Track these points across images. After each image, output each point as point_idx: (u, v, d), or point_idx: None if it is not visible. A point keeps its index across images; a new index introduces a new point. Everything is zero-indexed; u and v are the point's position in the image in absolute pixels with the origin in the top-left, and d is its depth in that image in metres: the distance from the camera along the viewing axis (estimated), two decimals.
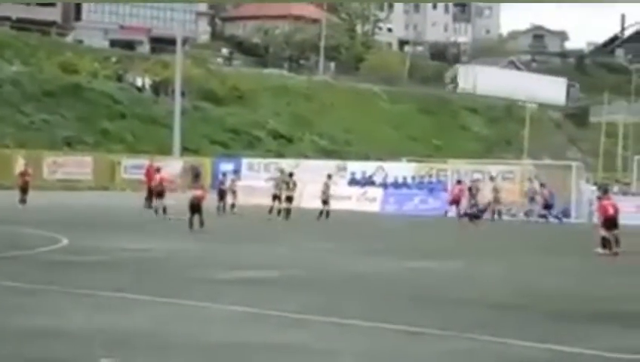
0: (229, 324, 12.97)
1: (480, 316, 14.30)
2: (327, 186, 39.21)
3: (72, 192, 51.40)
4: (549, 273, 21.11)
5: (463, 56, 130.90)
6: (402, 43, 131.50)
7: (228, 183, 40.44)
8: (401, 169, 50.34)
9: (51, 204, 40.74)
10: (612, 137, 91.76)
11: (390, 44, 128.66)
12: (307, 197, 41.94)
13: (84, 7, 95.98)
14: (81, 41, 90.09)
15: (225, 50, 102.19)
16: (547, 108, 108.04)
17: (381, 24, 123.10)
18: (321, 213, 37.95)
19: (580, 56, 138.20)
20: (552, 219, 40.59)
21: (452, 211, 39.68)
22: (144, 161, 48.78)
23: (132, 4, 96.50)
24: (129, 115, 72.68)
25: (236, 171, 47.29)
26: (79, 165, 58.49)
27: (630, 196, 44.31)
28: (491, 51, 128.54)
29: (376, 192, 47.08)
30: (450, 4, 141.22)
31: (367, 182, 48.67)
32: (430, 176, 48.12)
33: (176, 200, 34.24)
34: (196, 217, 29.15)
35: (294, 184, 38.77)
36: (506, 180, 44.25)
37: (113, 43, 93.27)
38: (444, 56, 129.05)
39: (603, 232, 25.62)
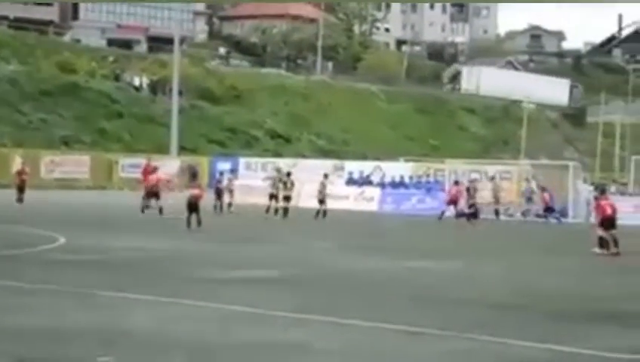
0: (227, 324, 12.95)
1: (479, 316, 14.29)
2: (323, 186, 39.21)
3: (70, 191, 51.36)
4: (548, 273, 21.11)
5: (460, 56, 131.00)
6: (400, 43, 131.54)
7: (225, 182, 40.43)
8: (398, 169, 50.35)
9: (49, 203, 40.71)
10: (609, 137, 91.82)
11: (388, 43, 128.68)
12: (305, 197, 41.92)
13: (82, 6, 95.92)
14: (78, 41, 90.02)
15: (222, 50, 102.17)
16: (545, 109, 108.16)
17: (379, 24, 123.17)
18: (318, 212, 37.95)
19: (577, 56, 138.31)
20: (551, 220, 40.58)
21: (449, 211, 39.61)
22: (141, 160, 48.70)
23: (129, 3, 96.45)
24: (126, 114, 72.65)
25: (233, 170, 47.23)
26: (77, 164, 58.45)
27: (627, 196, 44.31)
28: (489, 51, 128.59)
29: (374, 192, 47.06)
30: (448, 4, 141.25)
31: (365, 181, 48.66)
32: (428, 175, 48.15)
33: (174, 200, 34.20)
34: (194, 216, 29.14)
35: (292, 183, 38.79)
36: (503, 180, 44.26)
37: (110, 42, 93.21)
38: (442, 56, 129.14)
39: (600, 232, 25.61)
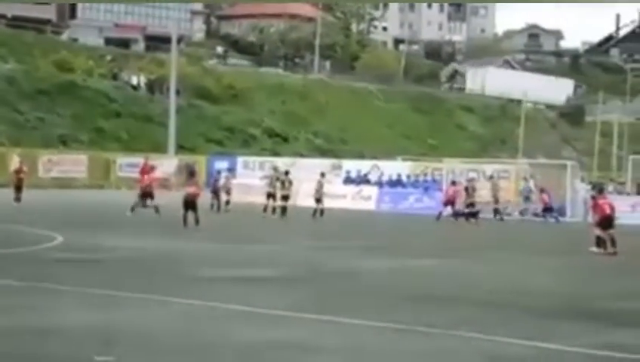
0: (225, 322, 12.99)
1: (467, 313, 14.34)
2: (320, 185, 39.20)
3: (67, 190, 51.37)
4: (542, 272, 21.13)
5: (457, 55, 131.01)
6: (397, 42, 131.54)
7: (222, 181, 40.43)
8: (396, 168, 50.38)
9: (46, 202, 40.72)
10: (607, 136, 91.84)
11: (385, 42, 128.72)
12: (302, 196, 41.96)
13: (79, 5, 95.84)
14: (76, 39, 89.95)
15: (220, 49, 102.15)
16: (545, 108, 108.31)
17: (376, 23, 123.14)
18: (315, 211, 37.97)
19: (574, 55, 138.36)
20: (549, 219, 40.60)
21: (446, 211, 39.58)
22: (139, 160, 48.71)
23: (127, 2, 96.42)
24: (124, 113, 72.62)
25: (231, 169, 47.26)
26: (74, 163, 58.43)
27: (625, 195, 44.34)
28: (486, 50, 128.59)
29: (372, 191, 47.09)
30: (446, 3, 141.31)
31: (363, 180, 48.69)
32: (425, 174, 48.16)
33: (168, 199, 34.22)
34: (191, 214, 29.16)
35: (290, 183, 38.77)
36: (501, 179, 44.25)
37: (108, 41, 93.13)
38: (439, 55, 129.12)
39: (598, 231, 25.63)
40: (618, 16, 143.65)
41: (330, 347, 11.44)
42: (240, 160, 55.23)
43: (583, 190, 42.43)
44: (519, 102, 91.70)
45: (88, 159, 58.95)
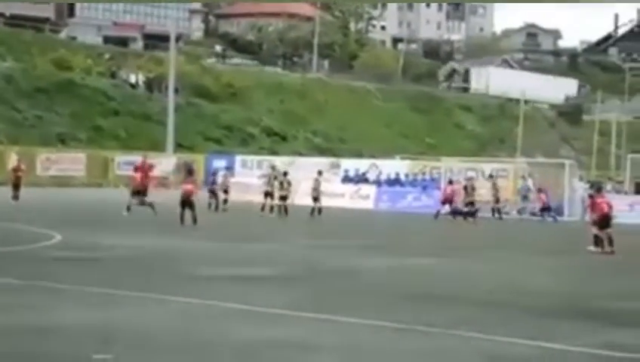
0: (223, 321, 12.99)
1: (466, 313, 14.33)
2: (317, 183, 39.19)
3: (66, 189, 51.37)
4: (540, 271, 21.13)
5: (456, 54, 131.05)
6: (396, 41, 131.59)
7: (220, 180, 40.39)
8: (394, 166, 50.39)
9: (44, 201, 40.72)
10: (605, 135, 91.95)
11: (384, 41, 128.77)
12: (301, 195, 41.95)
13: (78, 3, 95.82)
14: (74, 38, 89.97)
15: (218, 47, 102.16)
16: (544, 108, 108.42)
17: (375, 22, 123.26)
18: (313, 210, 37.96)
19: (573, 54, 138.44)
20: (547, 218, 40.62)
21: (444, 210, 39.57)
22: (138, 158, 48.67)
23: (125, 1, 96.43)
24: (122, 111, 72.65)
25: (229, 168, 47.24)
26: (72, 162, 58.45)
27: (623, 194, 44.37)
28: (485, 49, 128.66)
29: (370, 190, 47.10)
30: (444, 3, 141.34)
31: (361, 179, 48.70)
32: (424, 173, 48.16)
33: (168, 197, 34.20)
34: (187, 212, 29.16)
35: (289, 183, 38.71)
36: (499, 178, 44.25)
37: (106, 39, 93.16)
38: (438, 54, 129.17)
39: (595, 230, 25.63)
40: (616, 16, 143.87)
41: (329, 346, 11.44)
42: (238, 158, 55.22)
43: (582, 189, 42.46)
44: (520, 101, 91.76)
45: (87, 157, 58.98)
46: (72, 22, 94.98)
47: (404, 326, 12.68)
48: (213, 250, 23.11)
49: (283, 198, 37.98)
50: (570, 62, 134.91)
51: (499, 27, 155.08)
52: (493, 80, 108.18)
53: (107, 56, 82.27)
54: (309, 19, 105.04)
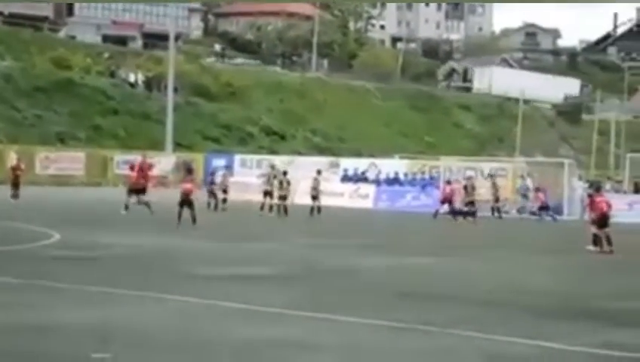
0: (221, 320, 12.98)
1: (465, 312, 14.32)
2: (316, 182, 39.17)
3: (65, 188, 51.36)
4: (539, 270, 21.12)
5: (455, 54, 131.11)
6: (395, 40, 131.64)
7: (219, 179, 40.36)
8: (393, 166, 50.35)
9: (43, 200, 40.70)
10: (604, 135, 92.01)
11: (383, 41, 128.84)
12: (300, 194, 41.95)
13: (77, 2, 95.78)
14: (73, 37, 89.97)
15: (217, 46, 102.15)
16: (544, 107, 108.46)
17: (374, 21, 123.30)
18: (312, 209, 37.95)
19: (572, 53, 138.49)
20: (545, 218, 40.63)
21: (443, 209, 39.52)
22: (137, 157, 48.67)
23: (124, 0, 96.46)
24: (122, 110, 72.65)
25: (228, 167, 47.21)
26: (72, 161, 58.43)
27: (622, 194, 44.38)
28: (484, 49, 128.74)
29: (369, 189, 47.09)
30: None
31: (360, 178, 48.68)
32: (423, 172, 48.13)
33: (168, 196, 34.19)
34: (185, 211, 29.14)
35: (288, 183, 38.66)
36: (498, 177, 44.25)
37: (105, 38, 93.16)
38: (437, 53, 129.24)
39: (594, 229, 25.63)
40: (616, 15, 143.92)
41: (328, 345, 11.43)
42: (237, 158, 55.18)
43: (581, 188, 42.48)
44: (522, 100, 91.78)
45: (86, 156, 58.97)
46: (71, 21, 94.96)
47: (403, 326, 12.68)
48: (212, 249, 23.10)
49: (282, 198, 37.93)
50: (569, 62, 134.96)
51: (498, 26, 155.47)
52: (496, 79, 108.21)
53: (106, 55, 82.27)
54: (309, 18, 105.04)
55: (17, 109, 66.68)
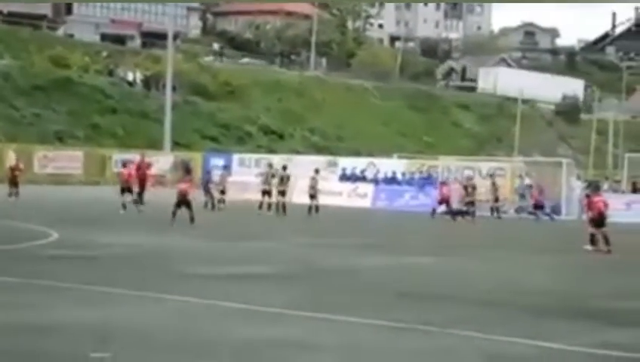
0: (220, 319, 12.98)
1: (464, 312, 14.32)
2: (314, 181, 39.15)
3: (63, 187, 51.29)
4: (536, 270, 21.12)
5: (454, 53, 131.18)
6: (393, 39, 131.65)
7: (217, 179, 40.30)
8: (392, 165, 50.30)
9: (42, 198, 40.67)
10: (603, 134, 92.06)
11: (381, 40, 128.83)
12: (298, 193, 41.93)
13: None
14: (72, 35, 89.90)
15: (216, 45, 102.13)
16: (542, 106, 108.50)
17: (372, 20, 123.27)
18: (310, 208, 37.92)
19: (570, 53, 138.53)
20: (543, 217, 40.63)
21: (440, 208, 39.49)
22: (135, 156, 48.69)
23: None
24: (120, 109, 72.60)
25: (226, 166, 47.16)
26: (70, 159, 58.36)
27: (620, 193, 44.40)
28: (482, 48, 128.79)
29: (367, 188, 47.06)
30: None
31: (358, 178, 48.65)
32: (421, 172, 48.11)
33: (166, 195, 34.17)
34: (183, 211, 29.12)
35: (287, 178, 38.63)
36: (497, 177, 44.25)
37: (104, 37, 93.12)
38: (435, 52, 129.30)
39: (591, 229, 25.64)
40: (614, 15, 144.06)
41: (327, 345, 11.43)
42: (236, 157, 55.08)
43: (579, 188, 42.48)
44: (522, 100, 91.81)
45: (84, 155, 58.90)
46: (69, 19, 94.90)
47: (402, 325, 12.68)
48: (211, 249, 23.09)
49: (281, 193, 37.91)
50: (567, 61, 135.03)
51: (496, 26, 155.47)
52: (502, 80, 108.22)
53: (105, 53, 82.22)
54: (307, 17, 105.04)
55: (16, 108, 66.63)
